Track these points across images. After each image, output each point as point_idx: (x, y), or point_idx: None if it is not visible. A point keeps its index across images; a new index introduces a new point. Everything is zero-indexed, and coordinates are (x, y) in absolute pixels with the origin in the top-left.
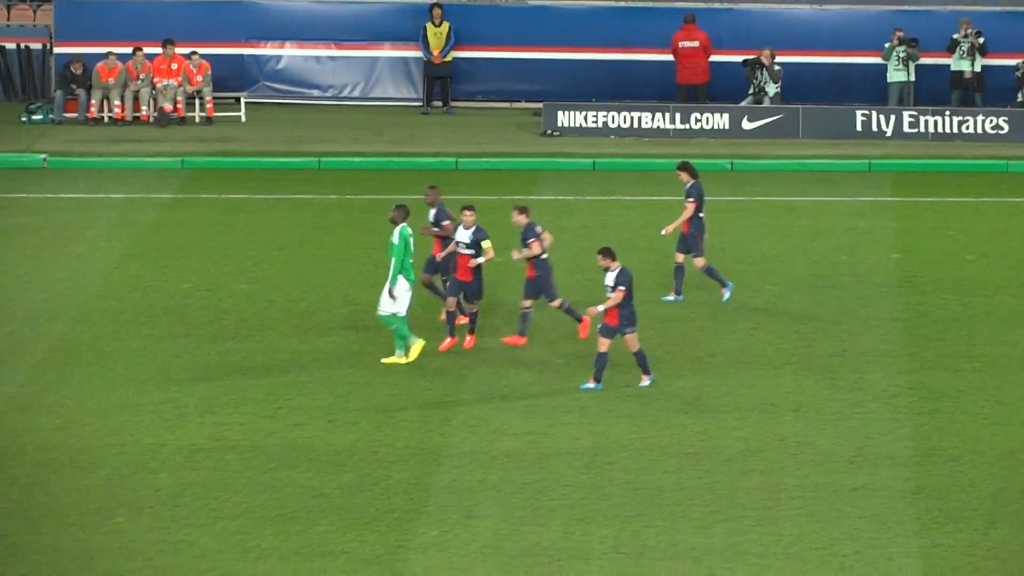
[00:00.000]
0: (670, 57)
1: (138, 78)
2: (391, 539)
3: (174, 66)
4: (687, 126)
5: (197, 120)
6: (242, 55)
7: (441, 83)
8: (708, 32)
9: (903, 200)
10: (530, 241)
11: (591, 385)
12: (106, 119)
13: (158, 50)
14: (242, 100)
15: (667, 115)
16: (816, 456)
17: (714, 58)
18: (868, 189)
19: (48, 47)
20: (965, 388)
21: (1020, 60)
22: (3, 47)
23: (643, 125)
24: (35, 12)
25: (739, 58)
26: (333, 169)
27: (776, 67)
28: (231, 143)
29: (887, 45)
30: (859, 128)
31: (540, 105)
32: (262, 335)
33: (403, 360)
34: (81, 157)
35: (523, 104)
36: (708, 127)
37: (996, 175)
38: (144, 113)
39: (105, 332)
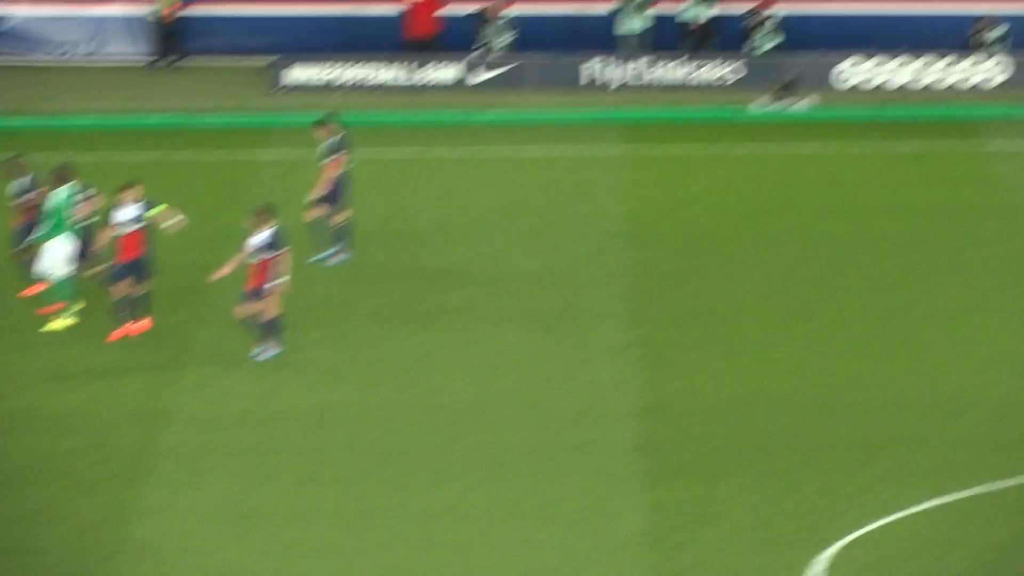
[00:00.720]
0: (400, 9)
1: None
2: (117, 503)
3: None
4: (416, 80)
5: None
6: None
7: (170, 39)
8: None
9: (631, 152)
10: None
11: (270, 352)
12: None
13: None
14: None
15: (396, 69)
16: (542, 413)
17: (443, 10)
18: (596, 141)
19: None
20: (692, 342)
21: (748, 8)
22: None
23: (373, 79)
24: None
25: (468, 10)
26: (61, 129)
27: (504, 19)
28: None
29: None
30: (587, 79)
31: (272, 59)
32: None
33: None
34: None
35: (253, 60)
36: (437, 80)
37: (725, 125)
38: None
39: None
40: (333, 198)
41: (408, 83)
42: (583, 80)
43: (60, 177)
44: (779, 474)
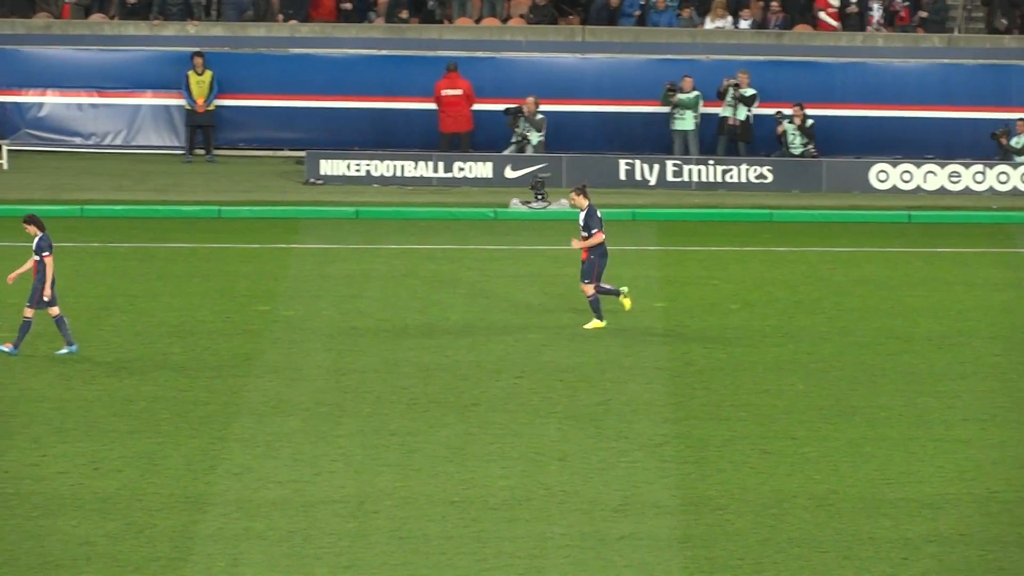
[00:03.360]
0: (433, 106)
1: None
2: None
3: None
4: (451, 174)
5: None
6: (3, 102)
7: (204, 131)
8: (471, 80)
9: (667, 249)
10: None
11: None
12: None
13: None
14: (3, 148)
15: (430, 164)
16: (582, 505)
17: (477, 106)
18: (632, 238)
19: None
20: (730, 437)
21: (776, 110)
22: None
23: (406, 173)
24: None
25: (502, 106)
26: (95, 217)
27: (539, 115)
28: None
29: (674, 94)
30: (623, 177)
31: (303, 153)
32: (25, 383)
33: None
34: None
35: (286, 152)
36: (471, 175)
37: (760, 224)
38: None
39: None
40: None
41: (443, 177)
42: (618, 177)
43: None
44: (820, 570)
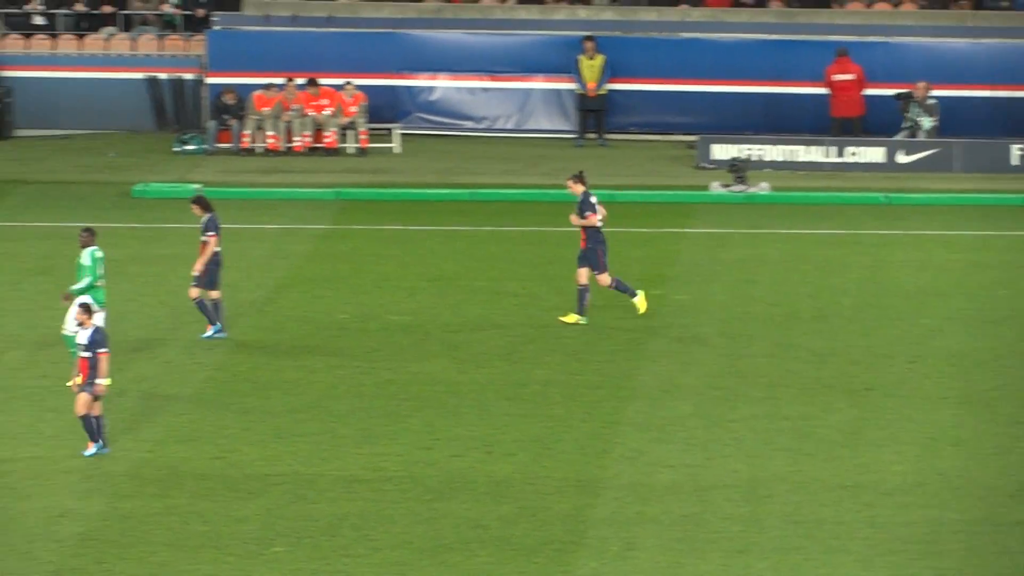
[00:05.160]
0: (824, 90)
1: (290, 108)
2: (551, 570)
3: (324, 101)
4: (842, 159)
5: (351, 151)
6: (395, 86)
7: (595, 115)
8: (861, 65)
9: None
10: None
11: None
12: (259, 149)
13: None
14: (395, 131)
15: (822, 148)
16: (977, 490)
17: (868, 91)
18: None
19: (201, 77)
20: None
21: None
22: (156, 78)
23: (798, 158)
24: (187, 43)
25: (894, 91)
26: (487, 201)
27: (930, 100)
28: (384, 174)
29: None
30: (1015, 162)
31: (694, 138)
32: (418, 366)
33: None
34: (235, 187)
35: (677, 137)
36: (863, 160)
37: None
38: (297, 144)
39: (261, 362)
40: (202, 278)
41: (835, 161)
42: (1010, 163)
43: (86, 239)
44: None
